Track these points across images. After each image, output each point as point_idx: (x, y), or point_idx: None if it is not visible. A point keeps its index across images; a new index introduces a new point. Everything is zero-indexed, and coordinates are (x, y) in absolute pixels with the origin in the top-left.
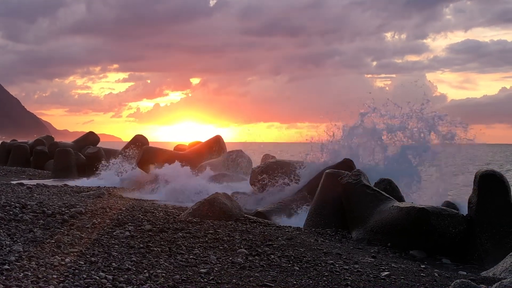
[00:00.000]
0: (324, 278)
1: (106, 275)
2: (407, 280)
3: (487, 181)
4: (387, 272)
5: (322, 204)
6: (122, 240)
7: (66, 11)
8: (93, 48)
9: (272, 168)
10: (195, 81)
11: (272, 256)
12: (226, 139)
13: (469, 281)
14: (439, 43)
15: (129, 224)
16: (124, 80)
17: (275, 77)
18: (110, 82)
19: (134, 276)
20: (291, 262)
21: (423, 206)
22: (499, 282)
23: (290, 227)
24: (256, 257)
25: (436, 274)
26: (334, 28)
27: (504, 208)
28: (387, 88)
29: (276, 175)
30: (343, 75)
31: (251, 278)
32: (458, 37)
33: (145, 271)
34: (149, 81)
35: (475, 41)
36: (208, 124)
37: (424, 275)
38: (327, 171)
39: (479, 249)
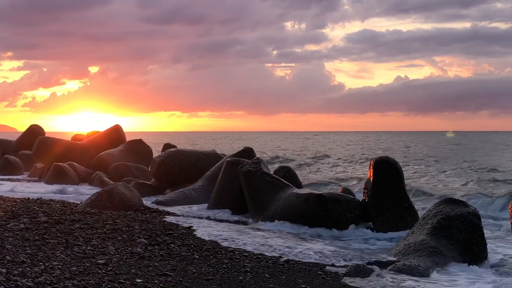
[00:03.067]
0: (224, 265)
1: (0, 269)
2: (305, 264)
3: (382, 167)
4: (286, 258)
5: (222, 191)
6: (17, 232)
7: None
8: None
9: (173, 157)
10: (93, 69)
11: (172, 245)
12: (126, 128)
13: (364, 264)
14: (337, 33)
15: (24, 216)
16: (19, 69)
17: (176, 65)
18: (4, 70)
19: (29, 269)
20: (191, 250)
21: (321, 192)
22: (393, 264)
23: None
24: (156, 246)
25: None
26: (235, 17)
27: (398, 193)
28: (287, 77)
29: None
30: (244, 64)
31: (151, 268)
32: (355, 27)
33: (41, 263)
34: (45, 70)
35: (371, 31)
36: (107, 113)
37: (323, 257)
38: (227, 159)
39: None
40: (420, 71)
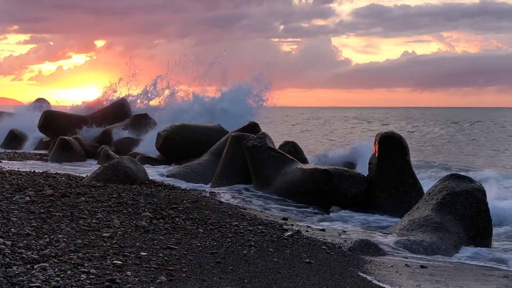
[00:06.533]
0: (228, 239)
1: (5, 241)
2: (309, 239)
3: (387, 142)
4: (290, 233)
5: (227, 166)
6: (22, 205)
7: None
8: None
9: (178, 132)
10: (99, 43)
11: (177, 219)
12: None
13: (368, 239)
14: (344, 7)
15: (30, 189)
16: (25, 42)
17: (182, 40)
18: (10, 44)
19: (34, 241)
20: (195, 224)
21: (325, 168)
22: (397, 240)
23: (196, 190)
24: (161, 220)
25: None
26: None
27: (402, 168)
28: (293, 53)
29: None
30: (251, 39)
31: (155, 241)
32: (363, 1)
33: (46, 236)
34: (51, 43)
35: (379, 6)
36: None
37: (327, 232)
38: (233, 134)
39: (379, 208)
40: (427, 46)
